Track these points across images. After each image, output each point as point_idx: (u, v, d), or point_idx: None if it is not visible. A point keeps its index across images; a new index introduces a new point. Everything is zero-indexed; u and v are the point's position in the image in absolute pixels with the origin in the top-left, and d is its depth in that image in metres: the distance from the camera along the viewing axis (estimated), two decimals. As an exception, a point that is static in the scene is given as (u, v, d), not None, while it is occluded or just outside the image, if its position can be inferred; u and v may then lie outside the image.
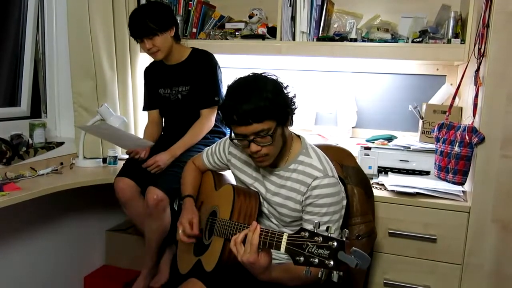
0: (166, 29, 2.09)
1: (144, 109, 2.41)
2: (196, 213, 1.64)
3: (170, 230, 2.12)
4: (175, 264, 1.87)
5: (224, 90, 2.20)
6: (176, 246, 2.19)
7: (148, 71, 2.36)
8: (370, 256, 1.08)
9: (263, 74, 1.45)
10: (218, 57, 2.24)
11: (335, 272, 1.07)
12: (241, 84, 1.43)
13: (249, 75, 1.46)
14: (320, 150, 1.54)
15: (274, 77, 1.45)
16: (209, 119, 2.19)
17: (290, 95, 1.45)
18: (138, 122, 2.66)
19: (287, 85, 1.46)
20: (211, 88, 2.17)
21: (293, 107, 1.46)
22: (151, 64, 2.35)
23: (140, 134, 2.59)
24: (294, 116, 1.49)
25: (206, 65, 2.19)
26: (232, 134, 1.47)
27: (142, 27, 2.05)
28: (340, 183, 1.51)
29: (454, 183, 1.92)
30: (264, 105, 1.35)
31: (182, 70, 2.21)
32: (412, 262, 1.90)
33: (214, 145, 1.78)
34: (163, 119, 2.40)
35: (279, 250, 1.19)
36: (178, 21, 2.55)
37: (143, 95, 2.42)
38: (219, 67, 2.22)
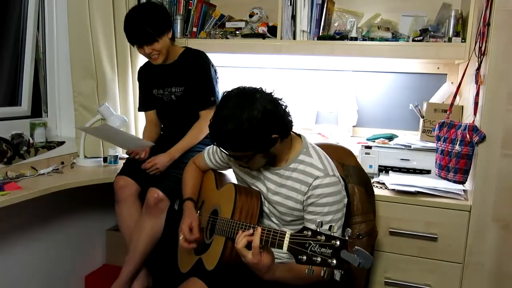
0: (164, 32, 2.04)
1: (140, 109, 2.38)
2: (196, 217, 1.64)
3: (155, 251, 2.07)
4: None
5: (219, 88, 2.18)
6: (153, 277, 2.17)
7: (142, 71, 2.31)
8: (371, 255, 1.08)
9: (257, 92, 1.39)
10: (219, 56, 2.23)
11: (337, 271, 1.07)
12: (226, 103, 1.39)
13: (240, 90, 1.41)
14: (320, 149, 1.54)
15: (268, 93, 1.40)
16: (208, 120, 2.13)
17: (284, 112, 1.41)
18: (139, 121, 2.65)
19: (281, 102, 1.41)
20: (206, 89, 2.13)
21: (280, 131, 1.41)
22: (145, 64, 2.29)
23: (141, 134, 2.59)
24: (291, 126, 1.46)
25: (199, 65, 2.14)
26: None
27: (141, 34, 1.98)
28: (341, 182, 1.51)
29: (455, 182, 1.92)
30: (237, 138, 1.34)
31: (175, 71, 2.17)
32: (413, 261, 1.90)
33: (215, 144, 1.77)
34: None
35: (282, 249, 1.19)
36: (179, 20, 2.55)
37: (138, 95, 2.38)
38: (212, 65, 2.17)
